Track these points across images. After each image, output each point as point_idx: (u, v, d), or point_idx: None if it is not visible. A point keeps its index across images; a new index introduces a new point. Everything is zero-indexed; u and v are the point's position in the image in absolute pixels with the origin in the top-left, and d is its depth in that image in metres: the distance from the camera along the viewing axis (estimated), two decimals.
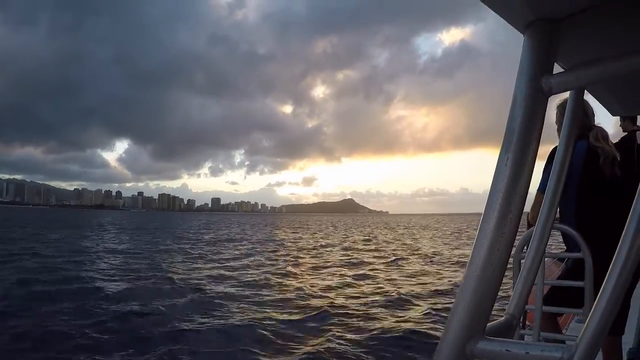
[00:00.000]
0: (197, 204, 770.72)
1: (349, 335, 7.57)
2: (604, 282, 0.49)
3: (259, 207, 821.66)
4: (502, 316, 0.69)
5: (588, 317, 0.50)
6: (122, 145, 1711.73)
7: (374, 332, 7.72)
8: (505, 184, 0.54)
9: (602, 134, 2.41)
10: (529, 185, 0.55)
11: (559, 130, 2.28)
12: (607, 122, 2.82)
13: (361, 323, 8.36)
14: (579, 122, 2.29)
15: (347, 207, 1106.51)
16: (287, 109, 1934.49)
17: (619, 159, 2.36)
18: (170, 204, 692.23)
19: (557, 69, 0.58)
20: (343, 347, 6.96)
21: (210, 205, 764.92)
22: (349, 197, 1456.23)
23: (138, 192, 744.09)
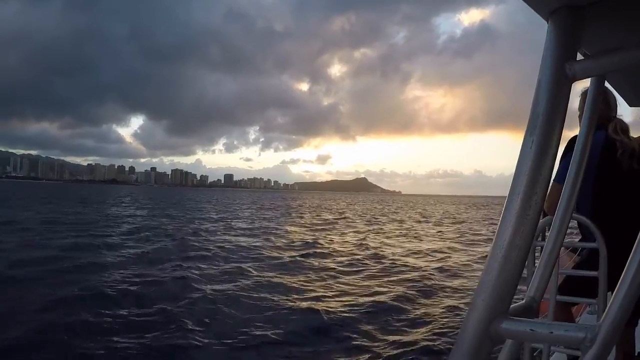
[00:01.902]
0: (210, 179, 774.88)
1: None
2: (625, 268, 0.50)
3: (272, 184, 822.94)
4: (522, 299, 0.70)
5: (611, 299, 0.50)
6: (137, 121, 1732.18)
7: None
8: (530, 167, 0.55)
9: (622, 126, 2.38)
10: (552, 169, 0.57)
11: (580, 117, 2.02)
12: (628, 114, 2.61)
13: None
14: (600, 111, 1.93)
15: (360, 186, 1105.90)
16: (304, 86, 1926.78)
17: (637, 152, 2.33)
18: (183, 179, 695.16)
19: (579, 56, 0.59)
20: None
21: (223, 182, 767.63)
22: (362, 176, 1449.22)
23: (151, 168, 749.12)
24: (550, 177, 0.56)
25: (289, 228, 23.57)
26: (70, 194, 78.21)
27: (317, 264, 11.88)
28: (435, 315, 7.24)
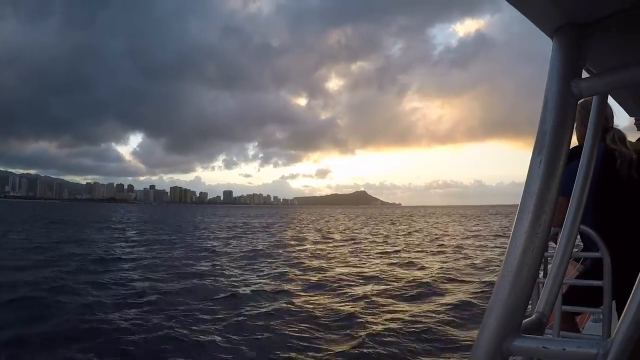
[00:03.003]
0: (210, 196, 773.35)
1: None
2: (636, 282, 0.51)
3: (272, 200, 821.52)
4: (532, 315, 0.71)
5: (623, 313, 0.51)
6: (136, 139, 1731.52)
7: None
8: (539, 186, 0.56)
9: (620, 135, 2.40)
10: (559, 187, 0.58)
11: (577, 129, 2.27)
12: (623, 123, 2.73)
13: None
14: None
15: (359, 199, 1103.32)
16: (301, 101, 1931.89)
17: (635, 161, 2.35)
18: (182, 197, 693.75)
19: (584, 73, 0.60)
20: None
21: (222, 198, 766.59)
22: (362, 189, 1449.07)
23: (150, 186, 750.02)
24: (558, 195, 0.56)
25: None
26: (53, 213, 76.04)
27: None
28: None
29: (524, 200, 0.56)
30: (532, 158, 0.57)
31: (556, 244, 0.81)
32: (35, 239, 23.79)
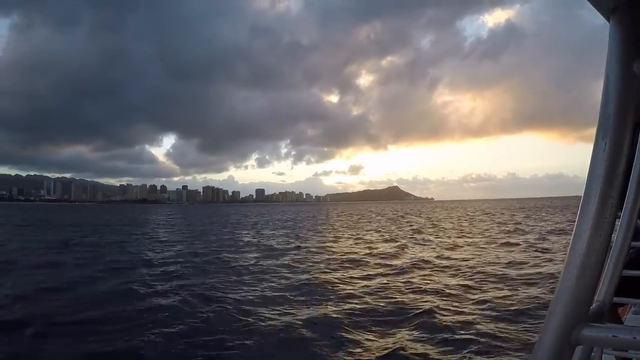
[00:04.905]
0: (242, 195, 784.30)
1: None
2: None
3: (304, 197, 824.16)
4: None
5: None
6: (169, 141, 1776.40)
7: None
8: (605, 170, 0.55)
9: None
10: (625, 170, 0.57)
11: None
12: None
13: None
14: None
15: (392, 195, 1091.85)
16: (333, 97, 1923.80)
17: None
18: (214, 196, 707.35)
19: None
20: None
21: (254, 197, 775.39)
22: (395, 184, 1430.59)
23: (183, 186, 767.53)
24: (623, 178, 0.56)
25: None
26: (75, 216, 77.28)
27: None
28: None
29: (589, 185, 0.55)
30: (595, 142, 0.56)
31: None
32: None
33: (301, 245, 24.03)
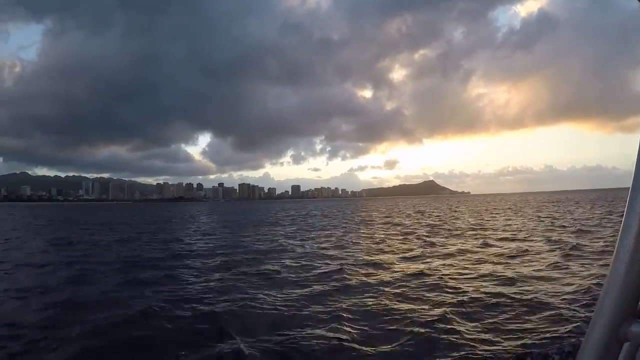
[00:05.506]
0: (278, 191, 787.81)
1: None
2: None
3: (339, 193, 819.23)
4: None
5: None
6: (204, 139, 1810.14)
7: None
8: None
9: None
10: None
11: None
12: None
13: None
14: None
15: (428, 189, 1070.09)
16: (366, 92, 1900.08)
17: None
18: (250, 193, 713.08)
19: None
20: None
21: (290, 193, 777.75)
22: (430, 178, 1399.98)
23: (219, 183, 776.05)
24: None
25: None
26: (104, 215, 76.75)
27: None
28: None
29: (637, 178, 0.53)
30: None
31: None
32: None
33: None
